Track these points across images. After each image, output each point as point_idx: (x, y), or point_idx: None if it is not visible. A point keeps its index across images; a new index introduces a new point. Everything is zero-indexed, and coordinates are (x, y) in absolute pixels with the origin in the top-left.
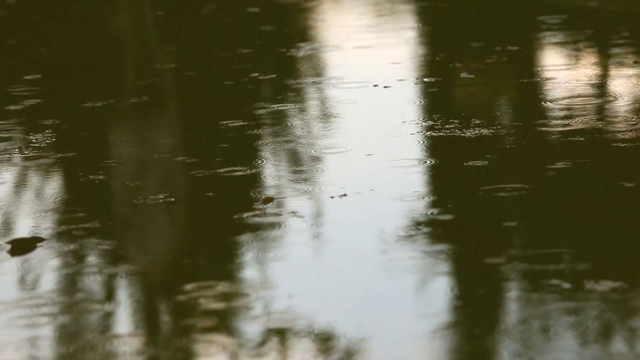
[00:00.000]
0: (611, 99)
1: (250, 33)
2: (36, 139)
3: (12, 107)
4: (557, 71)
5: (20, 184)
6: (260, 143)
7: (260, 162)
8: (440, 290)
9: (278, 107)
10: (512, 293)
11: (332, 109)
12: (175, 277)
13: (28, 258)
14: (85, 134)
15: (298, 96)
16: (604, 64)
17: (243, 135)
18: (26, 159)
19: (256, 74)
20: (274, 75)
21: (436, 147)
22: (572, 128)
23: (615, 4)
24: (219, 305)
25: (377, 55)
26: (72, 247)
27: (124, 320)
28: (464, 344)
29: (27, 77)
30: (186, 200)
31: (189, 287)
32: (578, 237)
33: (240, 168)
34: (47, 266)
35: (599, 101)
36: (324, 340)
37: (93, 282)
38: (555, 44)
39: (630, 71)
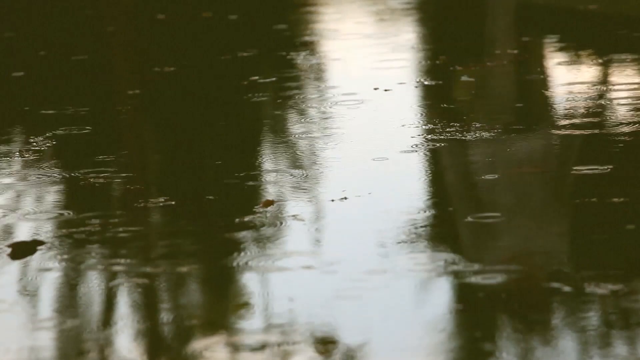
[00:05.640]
0: (611, 101)
1: (250, 35)
2: (36, 142)
3: (12, 109)
4: (557, 74)
5: (20, 187)
6: (260, 145)
7: (260, 164)
8: (440, 293)
9: (278, 109)
10: (513, 295)
11: (332, 111)
12: (174, 279)
13: (28, 261)
14: (85, 135)
15: (297, 98)
16: (604, 66)
17: (243, 136)
18: (26, 161)
19: (256, 77)
20: (274, 79)
21: (436, 150)
22: (571, 130)
23: (614, 7)
24: (218, 308)
25: (377, 57)
26: (73, 250)
27: (124, 322)
28: (464, 346)
29: (27, 79)
30: (186, 204)
31: (188, 289)
32: (578, 239)
33: (241, 170)
34: (48, 269)
35: (599, 103)
36: (324, 344)
37: (94, 285)
38: (556, 47)
39: (630, 73)
